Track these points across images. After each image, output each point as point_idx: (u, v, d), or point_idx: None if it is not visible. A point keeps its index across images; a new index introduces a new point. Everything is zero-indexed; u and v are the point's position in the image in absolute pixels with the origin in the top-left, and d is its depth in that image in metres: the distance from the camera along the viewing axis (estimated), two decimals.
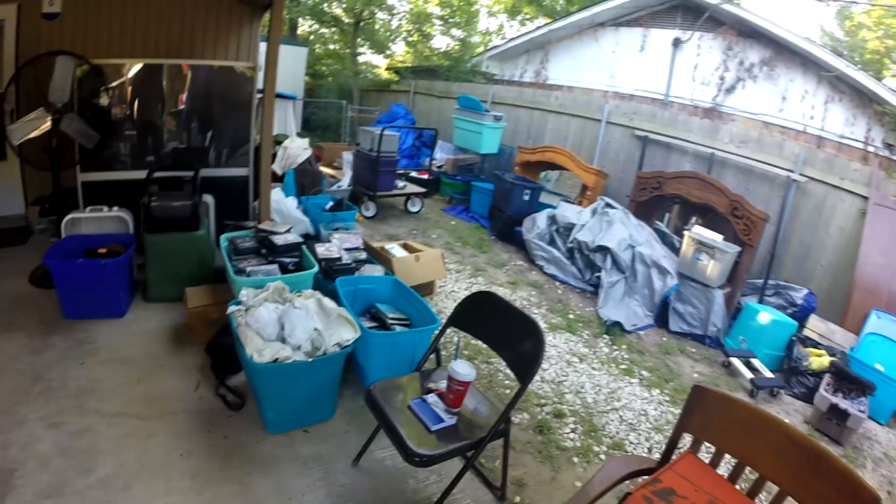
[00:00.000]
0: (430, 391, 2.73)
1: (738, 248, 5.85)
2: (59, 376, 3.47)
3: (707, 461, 2.20)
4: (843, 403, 4.29)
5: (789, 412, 4.63)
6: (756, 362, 5.16)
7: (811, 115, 8.80)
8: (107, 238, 4.61)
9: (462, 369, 2.57)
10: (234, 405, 3.36)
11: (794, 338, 5.37)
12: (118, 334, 4.04)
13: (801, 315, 5.85)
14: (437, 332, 3.18)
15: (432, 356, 3.13)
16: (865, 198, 5.98)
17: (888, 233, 5.80)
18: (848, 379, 4.63)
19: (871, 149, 7.95)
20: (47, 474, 2.67)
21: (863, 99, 8.25)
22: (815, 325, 5.67)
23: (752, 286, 6.39)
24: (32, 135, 4.77)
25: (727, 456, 2.15)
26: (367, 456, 3.03)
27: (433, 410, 2.58)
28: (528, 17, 19.37)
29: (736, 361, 5.13)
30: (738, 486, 2.08)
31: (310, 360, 3.06)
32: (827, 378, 4.68)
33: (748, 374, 4.93)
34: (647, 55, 11.08)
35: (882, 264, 5.74)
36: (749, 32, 9.47)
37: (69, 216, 4.71)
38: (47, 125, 4.78)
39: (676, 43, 10.45)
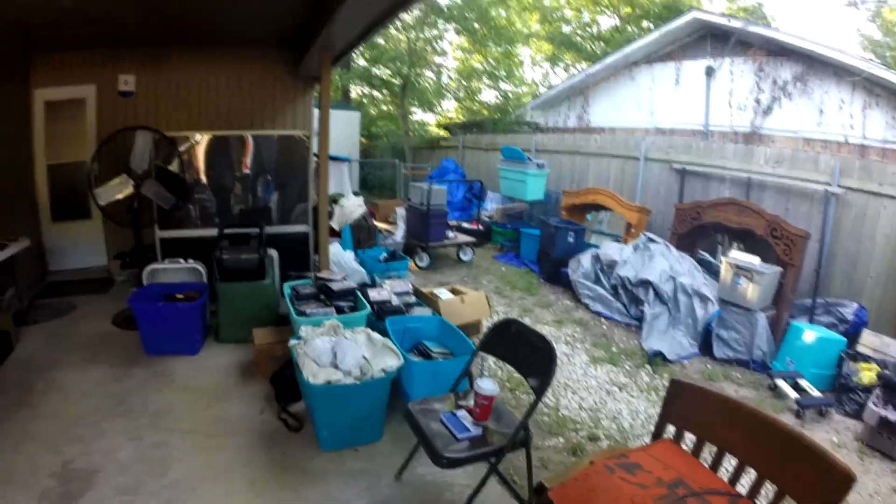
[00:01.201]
0: (460, 407, 3.05)
1: (777, 269, 5.81)
2: (139, 400, 4.06)
3: (690, 451, 2.35)
4: (894, 416, 4.14)
5: (839, 430, 4.52)
6: (804, 382, 5.04)
7: (851, 125, 8.57)
8: (183, 286, 5.25)
9: (486, 385, 2.90)
10: (294, 428, 3.77)
11: (843, 354, 5.20)
12: (192, 368, 4.61)
13: (852, 331, 5.70)
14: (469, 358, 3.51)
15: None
16: None
17: None
18: None
19: None
20: (125, 476, 3.17)
21: None
22: (869, 340, 5.47)
23: (801, 307, 6.26)
24: (117, 197, 5.44)
25: (712, 447, 2.29)
26: (410, 471, 3.34)
27: (461, 422, 2.89)
28: (569, 62, 19.80)
29: (781, 383, 5.03)
30: (719, 474, 2.22)
31: (358, 383, 3.46)
32: (876, 391, 4.50)
33: (794, 395, 4.82)
34: (682, 88, 11.12)
35: None
36: (778, 50, 9.42)
37: (150, 266, 5.42)
38: (130, 189, 5.46)
39: (709, 72, 10.47)
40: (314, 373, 3.40)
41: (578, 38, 19.33)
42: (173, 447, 3.48)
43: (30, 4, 4.63)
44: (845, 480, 1.81)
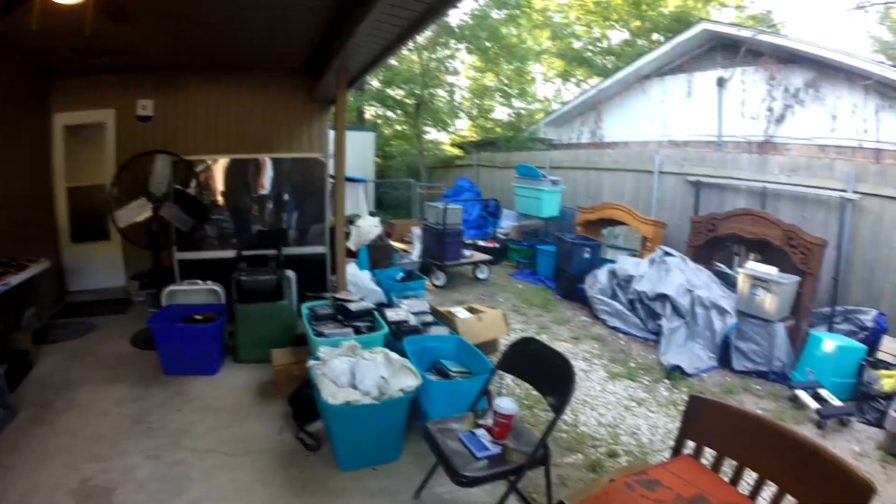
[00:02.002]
0: (478, 426, 3.04)
1: (795, 279, 5.79)
2: (158, 419, 4.09)
3: (710, 466, 2.32)
4: None
5: (861, 439, 4.49)
6: (824, 392, 4.99)
7: (864, 129, 8.47)
8: (202, 307, 5.30)
9: (505, 404, 2.90)
10: (312, 447, 3.77)
11: (863, 362, 5.15)
12: (211, 388, 4.64)
13: (872, 338, 5.65)
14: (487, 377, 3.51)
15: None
16: None
17: None
18: None
19: None
20: (143, 494, 3.19)
21: None
22: (889, 346, 5.45)
23: (820, 315, 6.21)
24: (136, 220, 5.52)
25: (732, 462, 2.27)
26: (428, 490, 3.32)
27: (480, 441, 2.88)
28: (580, 78, 19.86)
29: (801, 394, 4.99)
30: (739, 489, 2.19)
31: (377, 402, 3.46)
32: None
33: (814, 405, 4.77)
34: (694, 99, 11.10)
35: None
36: (789, 58, 9.38)
37: (169, 288, 5.48)
38: (149, 212, 5.53)
39: (720, 82, 10.45)
40: (333, 393, 3.42)
41: (589, 54, 19.42)
42: (192, 466, 3.49)
43: (54, 34, 4.73)
44: (866, 492, 1.79)
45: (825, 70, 8.98)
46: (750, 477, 2.23)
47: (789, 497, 2.04)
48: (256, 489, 3.29)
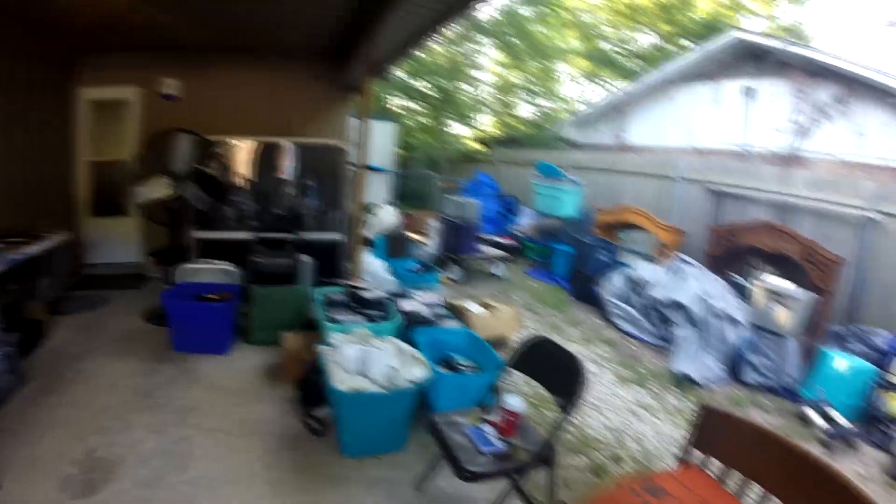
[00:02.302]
0: (485, 422, 3.02)
1: (811, 295, 5.74)
2: (165, 396, 4.10)
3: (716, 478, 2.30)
4: None
5: (867, 462, 4.45)
6: (833, 412, 4.93)
7: (892, 149, 8.27)
8: (215, 286, 5.31)
9: (514, 401, 2.89)
10: (317, 432, 3.76)
11: (874, 384, 5.11)
12: (220, 368, 4.65)
13: (886, 360, 5.48)
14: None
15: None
16: None
17: None
18: None
19: None
20: (146, 469, 3.20)
21: None
22: None
23: (833, 334, 6.04)
24: (155, 197, 5.54)
25: (737, 475, 2.23)
26: (430, 483, 3.30)
27: (486, 436, 2.86)
28: (606, 80, 19.72)
29: (810, 411, 4.95)
30: (743, 502, 2.17)
31: (385, 392, 3.47)
32: None
33: (822, 424, 4.74)
34: (721, 108, 10.93)
35: None
36: (818, 71, 9.18)
37: (183, 266, 5.44)
38: (168, 190, 5.54)
39: (748, 92, 10.30)
40: (342, 379, 3.43)
41: (617, 56, 19.26)
42: (196, 444, 3.50)
43: (72, 6, 4.75)
44: None
45: (854, 86, 8.81)
46: (755, 492, 2.19)
47: None
48: (258, 470, 3.30)
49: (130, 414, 3.80)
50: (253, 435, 3.68)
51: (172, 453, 3.38)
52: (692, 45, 14.86)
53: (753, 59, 10.24)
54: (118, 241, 7.32)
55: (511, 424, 2.90)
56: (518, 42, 17.87)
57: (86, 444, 3.39)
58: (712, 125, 10.98)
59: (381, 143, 15.04)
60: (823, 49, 9.26)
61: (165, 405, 3.96)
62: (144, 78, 7.06)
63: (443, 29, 4.80)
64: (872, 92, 8.52)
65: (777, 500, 2.08)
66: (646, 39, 19.30)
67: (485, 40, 18.34)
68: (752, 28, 15.96)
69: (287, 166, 6.57)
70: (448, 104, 17.52)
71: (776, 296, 5.76)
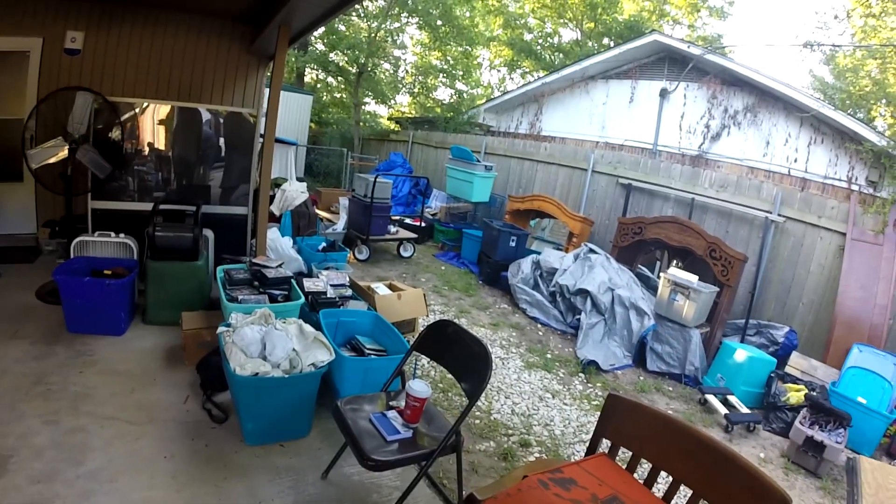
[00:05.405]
0: (391, 408, 3.00)
1: (714, 289, 6.04)
2: (59, 381, 3.81)
3: (625, 468, 2.34)
4: (819, 435, 4.41)
5: (766, 447, 4.78)
6: (733, 399, 5.30)
7: (795, 158, 8.93)
8: (112, 262, 5.00)
9: (418, 387, 2.85)
10: (218, 419, 3.63)
11: (772, 374, 5.50)
12: (116, 349, 4.38)
13: (782, 353, 6.02)
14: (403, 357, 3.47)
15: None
16: (843, 234, 6.21)
17: (866, 267, 6.01)
18: (824, 411, 4.74)
19: (854, 187, 7.99)
20: (40, 463, 2.96)
21: (843, 138, 8.36)
22: (797, 362, 5.82)
23: (734, 326, 6.56)
24: (50, 161, 5.18)
25: (647, 463, 2.30)
26: (337, 471, 3.27)
27: (391, 423, 2.85)
28: (526, 70, 19.96)
29: (712, 398, 5.25)
30: (654, 490, 2.23)
31: (286, 376, 3.37)
32: (803, 411, 4.81)
33: (723, 410, 5.05)
34: (636, 106, 11.31)
35: (862, 298, 5.93)
36: (733, 81, 9.69)
37: (79, 238, 5.13)
38: (64, 153, 5.19)
39: (663, 93, 10.68)
40: (241, 364, 3.29)
41: (538, 47, 19.50)
42: (92, 434, 3.29)
43: None
44: (781, 502, 1.83)
45: (766, 97, 9.35)
46: (665, 480, 2.27)
47: (704, 501, 2.07)
48: (159, 461, 3.14)
49: (21, 402, 3.51)
50: (152, 423, 3.50)
51: (67, 445, 3.15)
52: (613, 44, 15.23)
53: (672, 63, 10.66)
54: (11, 210, 6.69)
55: (416, 410, 2.88)
56: (442, 24, 17.76)
57: None
58: (627, 122, 11.34)
59: (294, 115, 14.74)
60: (739, 60, 9.75)
61: (59, 391, 3.69)
62: (48, 29, 6.36)
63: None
64: (782, 104, 9.10)
65: (684, 486, 2.14)
66: (569, 35, 19.64)
67: (409, 20, 18.11)
68: (674, 34, 16.56)
69: (194, 134, 6.27)
70: (366, 80, 17.25)
71: (680, 288, 6.01)
